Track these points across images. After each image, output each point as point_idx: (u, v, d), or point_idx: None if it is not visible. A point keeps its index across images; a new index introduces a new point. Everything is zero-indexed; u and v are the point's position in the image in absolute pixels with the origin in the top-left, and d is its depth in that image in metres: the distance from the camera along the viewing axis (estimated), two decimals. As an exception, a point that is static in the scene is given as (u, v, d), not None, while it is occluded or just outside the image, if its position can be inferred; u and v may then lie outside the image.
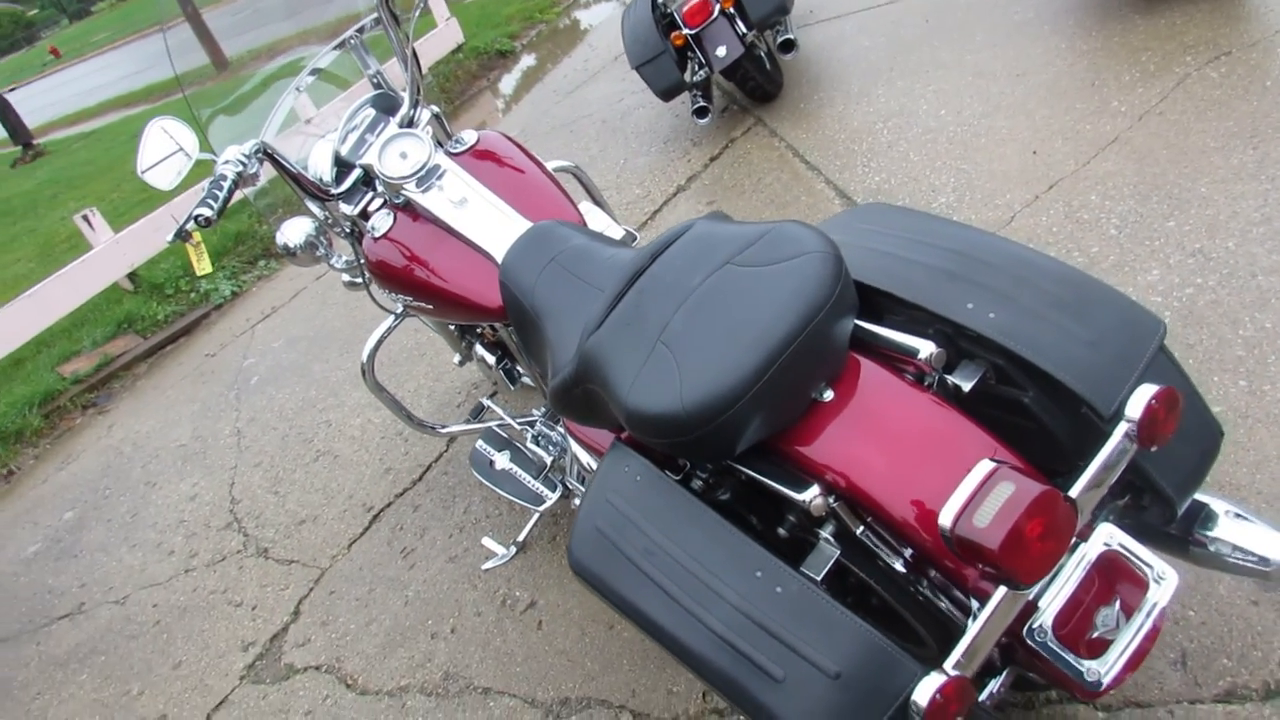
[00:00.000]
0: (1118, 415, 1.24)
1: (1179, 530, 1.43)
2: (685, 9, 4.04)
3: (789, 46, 4.09)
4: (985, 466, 1.16)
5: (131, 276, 5.71)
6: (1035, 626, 1.24)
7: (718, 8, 4.03)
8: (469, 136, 2.23)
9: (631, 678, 2.08)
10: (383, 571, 2.77)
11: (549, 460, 2.38)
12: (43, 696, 2.97)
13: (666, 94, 4.26)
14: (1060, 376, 1.30)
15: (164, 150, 2.05)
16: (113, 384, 5.05)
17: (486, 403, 2.67)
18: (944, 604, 1.35)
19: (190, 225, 1.93)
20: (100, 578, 3.43)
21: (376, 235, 2.16)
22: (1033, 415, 1.38)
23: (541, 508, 2.34)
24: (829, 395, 1.39)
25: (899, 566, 1.36)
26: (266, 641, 2.74)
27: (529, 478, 2.40)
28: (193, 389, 4.56)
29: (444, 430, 2.68)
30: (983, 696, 1.33)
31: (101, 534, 3.70)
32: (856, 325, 1.43)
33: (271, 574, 3.00)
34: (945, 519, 1.13)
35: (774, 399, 1.32)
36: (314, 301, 4.89)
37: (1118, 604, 1.27)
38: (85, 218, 5.45)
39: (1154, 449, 1.26)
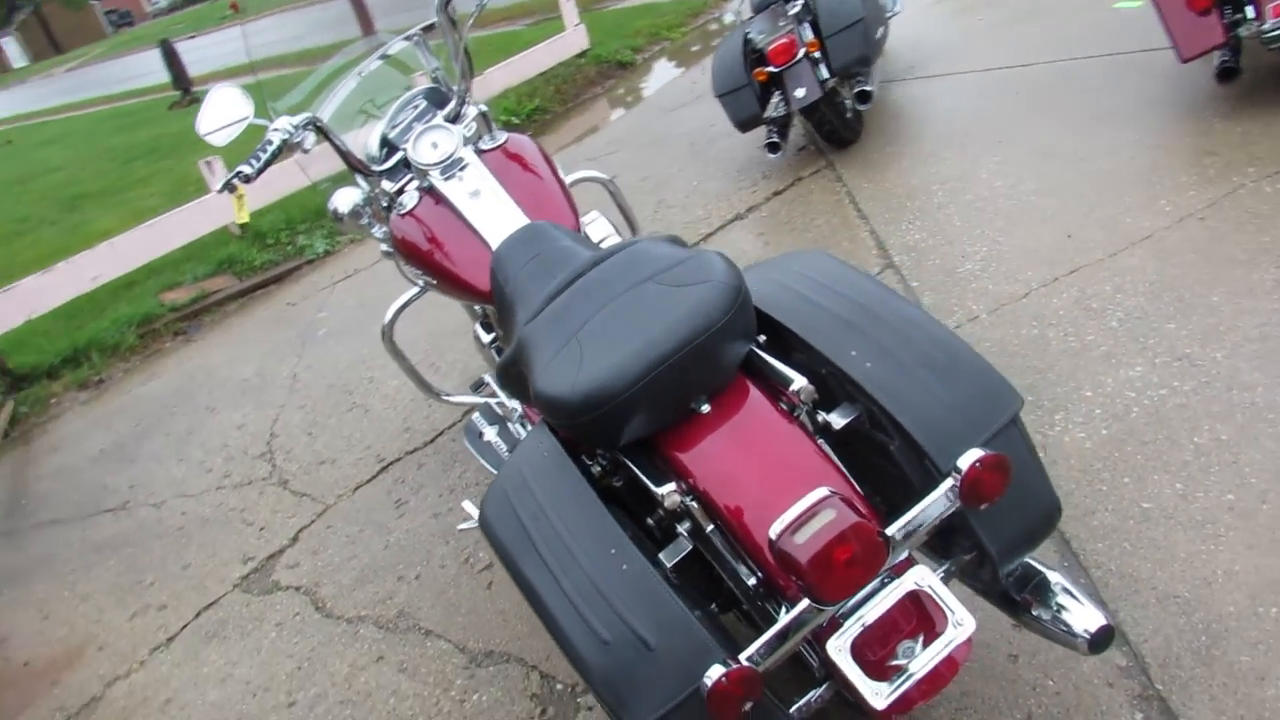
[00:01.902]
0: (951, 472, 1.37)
1: (1015, 593, 1.54)
2: (771, 47, 4.21)
3: (865, 97, 4.22)
4: (818, 493, 1.30)
5: (241, 225, 6.14)
6: (836, 642, 1.38)
7: (803, 51, 4.20)
8: (500, 136, 2.44)
9: (550, 645, 2.26)
10: (375, 516, 3.01)
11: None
12: (75, 574, 3.31)
13: (743, 125, 4.44)
14: (909, 429, 1.44)
15: (223, 113, 2.30)
16: (203, 316, 5.46)
17: (487, 379, 2.89)
18: (770, 606, 1.50)
19: (235, 180, 2.20)
20: (146, 482, 3.77)
21: (402, 212, 2.39)
22: (894, 461, 1.53)
23: None
24: (706, 408, 1.55)
25: (741, 567, 1.52)
26: (263, 559, 3.02)
27: (507, 453, 2.61)
28: (268, 332, 4.92)
29: (446, 398, 2.91)
30: (799, 704, 1.47)
31: (158, 445, 4.05)
32: (753, 352, 1.59)
33: (284, 503, 3.28)
34: (773, 531, 1.28)
35: (652, 401, 1.50)
36: (392, 270, 5.18)
37: (921, 639, 1.40)
38: (208, 164, 5.92)
39: (982, 509, 1.39)
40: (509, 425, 2.68)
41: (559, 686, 2.19)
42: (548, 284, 1.96)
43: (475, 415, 2.77)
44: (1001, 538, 1.47)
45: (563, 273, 1.99)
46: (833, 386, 1.60)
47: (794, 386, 1.52)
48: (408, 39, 2.68)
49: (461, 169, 2.33)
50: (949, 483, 1.37)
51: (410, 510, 2.98)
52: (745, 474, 1.50)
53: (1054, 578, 1.55)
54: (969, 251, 3.35)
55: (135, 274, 5.79)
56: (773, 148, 4.38)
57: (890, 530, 1.36)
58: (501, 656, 2.31)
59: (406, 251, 2.42)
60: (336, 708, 2.35)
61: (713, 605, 1.65)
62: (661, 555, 1.57)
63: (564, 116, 7.31)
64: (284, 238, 6.08)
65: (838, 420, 1.58)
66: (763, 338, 1.70)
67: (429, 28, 2.66)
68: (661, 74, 7.59)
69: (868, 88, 4.20)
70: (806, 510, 1.28)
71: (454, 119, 2.50)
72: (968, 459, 1.34)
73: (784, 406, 1.56)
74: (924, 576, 1.42)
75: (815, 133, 4.61)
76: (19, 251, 7.23)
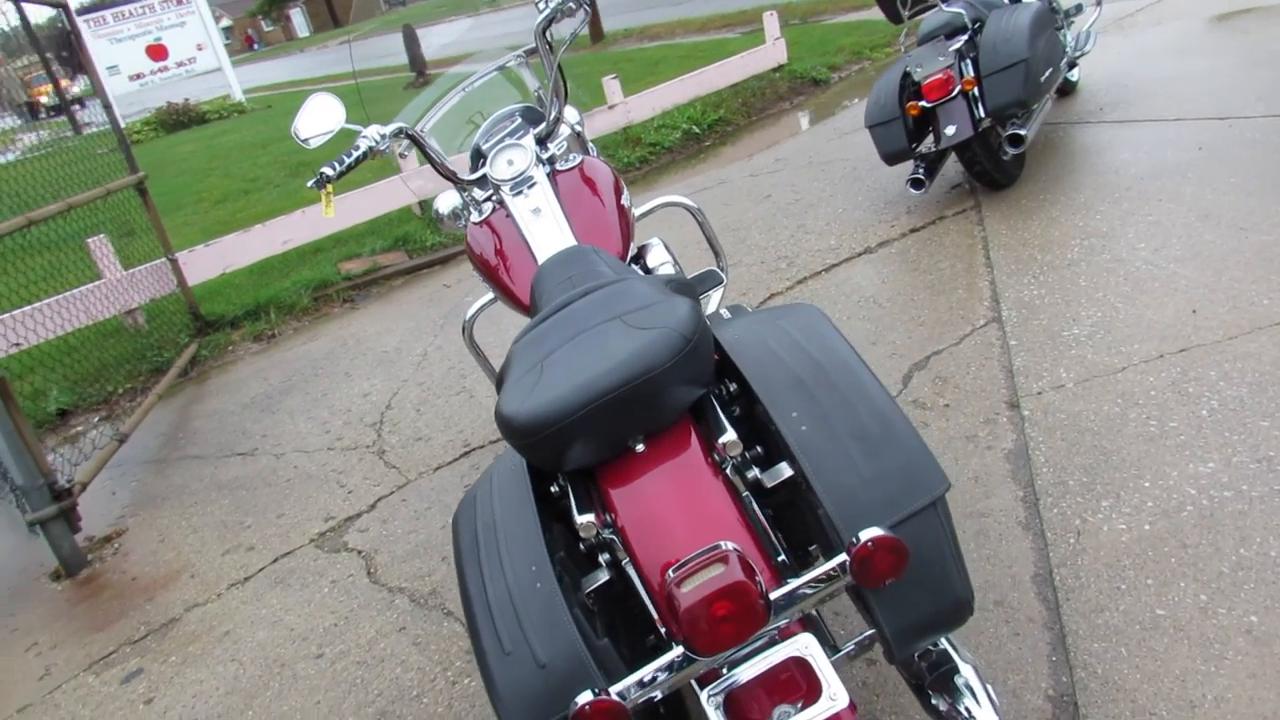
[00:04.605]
0: None
1: (926, 675, 1.50)
2: (927, 81, 4.11)
3: (1017, 141, 4.03)
4: (718, 548, 1.33)
5: (422, 204, 6.58)
6: (709, 692, 1.40)
7: (958, 88, 4.07)
8: (575, 159, 2.54)
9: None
10: (443, 497, 3.20)
11: None
12: (195, 507, 3.69)
13: (890, 158, 4.34)
14: (821, 496, 1.42)
15: (319, 118, 2.50)
16: (371, 288, 5.89)
17: None
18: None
19: (321, 178, 2.40)
20: (276, 434, 4.15)
21: (476, 221, 2.54)
22: (822, 525, 1.51)
23: None
24: (640, 447, 1.59)
25: (648, 604, 1.55)
26: (341, 520, 3.27)
27: None
28: (419, 310, 5.26)
29: None
30: None
31: (297, 401, 4.44)
32: (708, 398, 1.61)
33: (375, 471, 3.53)
34: (668, 575, 1.33)
35: (587, 434, 1.55)
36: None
37: (800, 706, 1.39)
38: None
39: (885, 588, 1.36)
40: None
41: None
42: None
43: None
44: (899, 621, 1.43)
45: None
46: (773, 444, 1.61)
47: (722, 439, 1.54)
48: (507, 63, 2.83)
49: (530, 186, 2.43)
50: (841, 557, 1.35)
51: (472, 496, 3.14)
52: (659, 517, 1.53)
53: (965, 671, 1.50)
54: (1082, 315, 3.16)
55: (322, 241, 6.33)
56: (916, 184, 4.26)
57: (774, 595, 1.36)
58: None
59: (473, 256, 2.57)
60: (353, 667, 2.53)
61: (633, 635, 1.69)
62: (585, 579, 1.63)
63: (745, 130, 7.34)
64: (458, 223, 6.44)
65: (768, 479, 1.58)
66: (734, 386, 1.72)
67: (531, 51, 2.80)
68: (849, 95, 7.48)
69: (1021, 132, 4.02)
70: (698, 561, 1.31)
71: (546, 137, 2.60)
72: (863, 535, 1.33)
73: (715, 458, 1.58)
74: (809, 645, 1.41)
75: (966, 172, 4.44)
76: (242, 209, 8.03)
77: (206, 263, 5.85)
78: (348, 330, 5.26)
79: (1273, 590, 1.95)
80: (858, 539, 1.32)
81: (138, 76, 17.01)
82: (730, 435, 1.53)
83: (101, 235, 5.32)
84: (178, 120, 16.91)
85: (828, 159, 5.79)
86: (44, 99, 5.37)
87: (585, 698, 1.31)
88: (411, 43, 13.02)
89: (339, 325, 5.41)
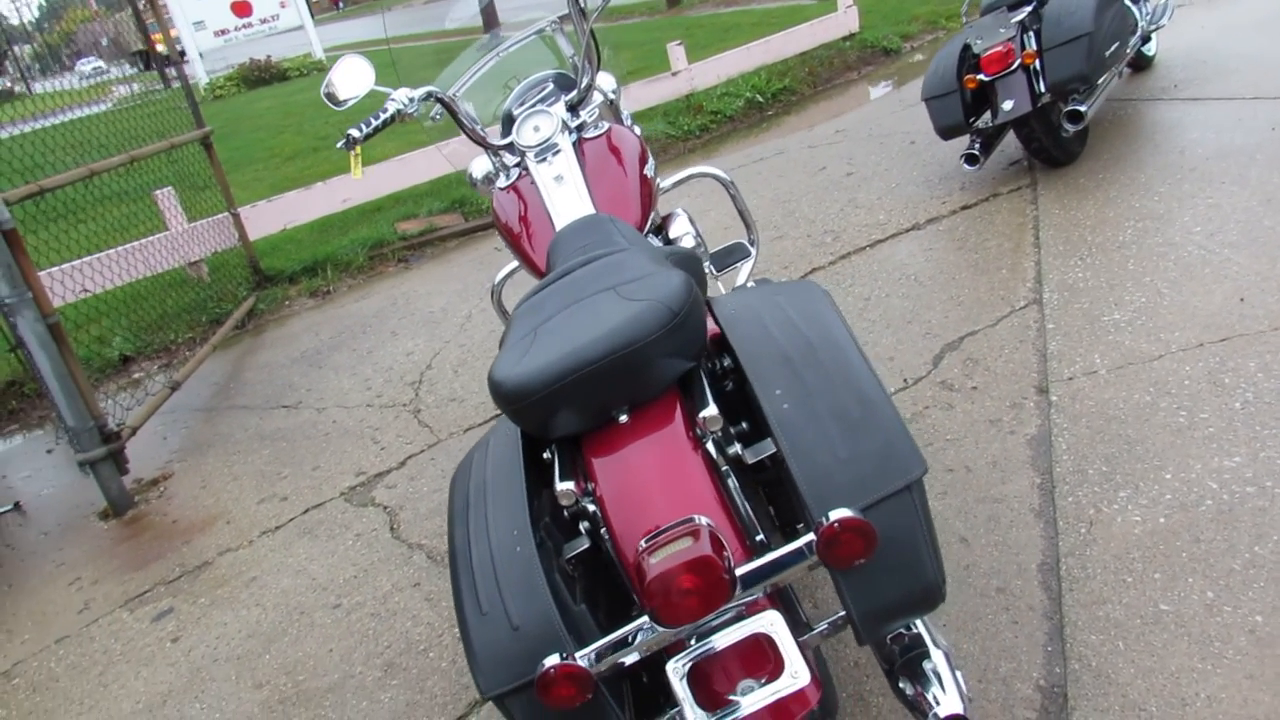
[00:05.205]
0: None
1: (898, 658, 1.49)
2: (986, 54, 4.00)
3: (1076, 118, 3.90)
4: (689, 521, 1.33)
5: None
6: (674, 663, 1.41)
7: (1018, 61, 3.95)
8: (603, 126, 2.53)
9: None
10: (469, 458, 3.25)
11: None
12: (238, 455, 3.82)
13: (945, 132, 4.24)
14: (795, 475, 1.41)
15: (349, 80, 2.52)
16: (426, 249, 5.97)
17: None
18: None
19: (349, 140, 2.43)
20: (320, 388, 4.25)
21: (502, 186, 2.55)
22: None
23: None
24: (624, 418, 1.60)
25: (621, 571, 1.57)
26: (372, 476, 3.35)
27: None
28: (468, 273, 5.32)
29: None
30: None
31: (343, 358, 4.54)
32: (696, 371, 1.61)
33: (409, 429, 3.61)
34: (639, 546, 1.34)
35: (571, 403, 1.56)
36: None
37: (764, 680, 1.39)
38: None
39: (850, 570, 1.35)
40: None
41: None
42: None
43: None
44: (866, 604, 1.41)
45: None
46: (761, 421, 1.60)
47: (703, 414, 1.54)
48: (543, 29, 2.82)
49: (554, 154, 2.43)
50: (809, 537, 1.35)
51: (497, 457, 3.19)
52: (636, 488, 1.54)
53: (936, 657, 1.48)
54: (1125, 300, 3.06)
55: (382, 200, 6.42)
56: (971, 159, 4.16)
57: (741, 571, 1.36)
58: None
59: (498, 223, 2.58)
60: (367, 619, 2.60)
61: (613, 603, 1.70)
62: (567, 545, 1.64)
63: (810, 99, 7.23)
64: (515, 186, 6.49)
65: (751, 455, 1.58)
66: (728, 362, 1.71)
67: (564, 17, 2.78)
68: (920, 66, 7.29)
69: (1080, 108, 3.89)
70: (670, 534, 1.32)
71: (577, 104, 2.59)
72: (832, 516, 1.32)
73: (696, 432, 1.58)
74: (774, 622, 1.41)
75: (1025, 149, 4.31)
76: (310, 166, 8.18)
77: (269, 218, 5.99)
78: (399, 290, 5.35)
79: (1283, 592, 1.88)
80: (826, 519, 1.32)
81: (222, 32, 17.39)
82: (711, 410, 1.53)
83: (169, 188, 5.47)
84: (259, 77, 17.23)
85: (888, 132, 5.67)
86: (160, 48, 5.48)
87: (552, 661, 1.33)
88: (486, 4, 13.06)
89: (392, 284, 5.51)
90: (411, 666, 2.38)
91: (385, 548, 2.90)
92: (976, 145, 4.16)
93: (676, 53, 7.22)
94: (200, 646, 2.68)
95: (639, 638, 1.38)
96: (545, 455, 1.78)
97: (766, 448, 1.59)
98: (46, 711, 2.59)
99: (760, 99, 7.14)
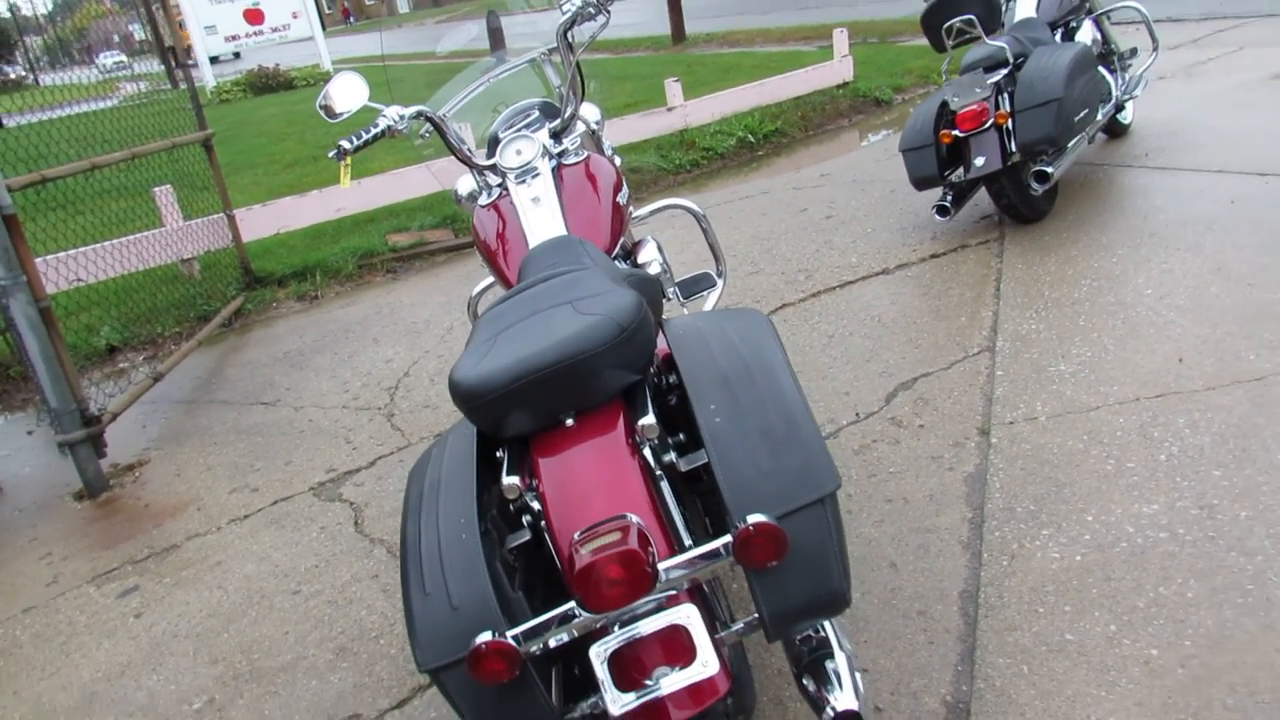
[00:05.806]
0: None
1: (805, 658, 1.62)
2: (961, 111, 4.18)
3: (1043, 178, 4.09)
4: (620, 518, 1.46)
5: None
6: (597, 648, 1.53)
7: (991, 120, 4.13)
8: (582, 154, 2.67)
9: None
10: (436, 462, 3.37)
11: None
12: (214, 447, 3.92)
13: (919, 183, 4.41)
14: (720, 483, 1.55)
15: (343, 93, 2.66)
16: (415, 262, 6.10)
17: None
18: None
19: (339, 151, 2.56)
20: (299, 388, 4.37)
21: (483, 204, 2.69)
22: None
23: None
24: (570, 421, 1.73)
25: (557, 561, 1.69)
26: (341, 473, 3.46)
27: None
28: (454, 287, 5.45)
29: None
30: (576, 710, 1.62)
31: (325, 360, 4.66)
32: (642, 384, 1.75)
33: (381, 432, 3.72)
34: (574, 537, 1.47)
35: (522, 404, 1.70)
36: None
37: (678, 669, 1.52)
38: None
39: (762, 571, 1.48)
40: None
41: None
42: None
43: None
44: (776, 604, 1.54)
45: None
46: (696, 433, 1.73)
47: (641, 422, 1.67)
48: (533, 58, 2.98)
49: (533, 177, 2.58)
50: (726, 538, 1.48)
51: (463, 463, 3.31)
52: (575, 486, 1.66)
53: (839, 657, 1.60)
54: (1072, 352, 3.21)
55: (375, 212, 6.56)
56: (941, 211, 4.33)
57: (662, 566, 1.49)
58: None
59: (476, 239, 2.72)
60: (324, 605, 2.71)
61: (551, 593, 1.82)
62: (511, 536, 1.77)
63: (800, 143, 7.42)
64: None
65: (685, 464, 1.71)
66: (674, 378, 1.85)
67: (554, 49, 2.94)
68: (909, 117, 7.50)
69: (1047, 169, 4.07)
70: (602, 529, 1.45)
71: (560, 132, 2.74)
72: (749, 520, 1.45)
73: (635, 439, 1.71)
74: (690, 615, 1.53)
75: (995, 204, 4.49)
76: (308, 174, 8.33)
77: (263, 222, 6.12)
78: (385, 299, 5.48)
79: (1179, 629, 2.01)
80: (743, 522, 1.45)
81: (233, 38, 17.61)
82: (649, 419, 1.66)
83: (167, 186, 5.60)
84: (266, 84, 17.45)
85: (870, 179, 5.86)
86: (190, 44, 5.64)
87: (484, 637, 1.45)
88: (495, 27, 13.31)
89: (378, 293, 5.64)
90: (362, 651, 2.49)
91: (348, 541, 3.01)
92: (948, 197, 4.34)
93: (673, 89, 7.41)
94: (162, 623, 2.78)
95: (565, 621, 1.50)
96: (498, 454, 1.91)
97: (700, 457, 1.72)
98: (9, 675, 2.68)
99: (752, 139, 7.33)
